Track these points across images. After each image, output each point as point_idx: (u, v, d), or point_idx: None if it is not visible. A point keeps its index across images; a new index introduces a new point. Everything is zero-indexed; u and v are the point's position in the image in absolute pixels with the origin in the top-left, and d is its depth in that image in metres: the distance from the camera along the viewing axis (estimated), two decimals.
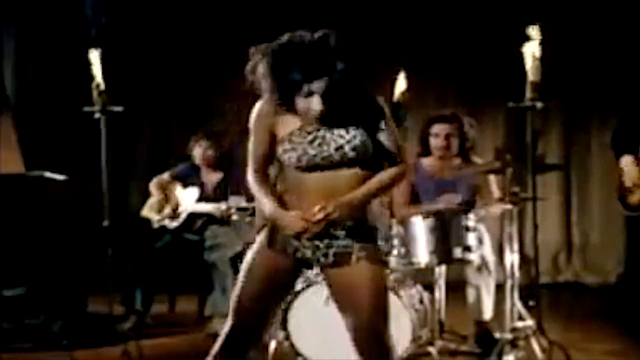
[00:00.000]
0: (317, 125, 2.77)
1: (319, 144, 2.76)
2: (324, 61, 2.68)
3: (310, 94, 2.70)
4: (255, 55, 2.77)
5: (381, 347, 2.80)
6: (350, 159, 2.77)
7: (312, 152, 2.76)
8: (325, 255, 2.80)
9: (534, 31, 3.95)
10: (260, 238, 2.87)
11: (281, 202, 2.82)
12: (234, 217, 5.16)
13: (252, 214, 5.04)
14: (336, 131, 2.77)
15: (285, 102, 2.75)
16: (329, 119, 2.76)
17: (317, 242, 2.80)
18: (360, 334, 2.80)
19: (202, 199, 5.37)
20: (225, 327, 2.89)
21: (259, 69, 2.75)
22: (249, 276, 2.85)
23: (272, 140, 2.83)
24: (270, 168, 2.92)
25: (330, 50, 2.69)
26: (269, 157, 2.86)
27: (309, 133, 2.77)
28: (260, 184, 2.86)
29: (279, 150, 2.80)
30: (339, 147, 2.76)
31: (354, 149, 2.76)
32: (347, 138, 2.76)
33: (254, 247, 2.87)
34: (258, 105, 2.86)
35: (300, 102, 2.73)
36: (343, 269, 2.79)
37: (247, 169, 2.89)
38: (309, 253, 2.82)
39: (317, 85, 2.68)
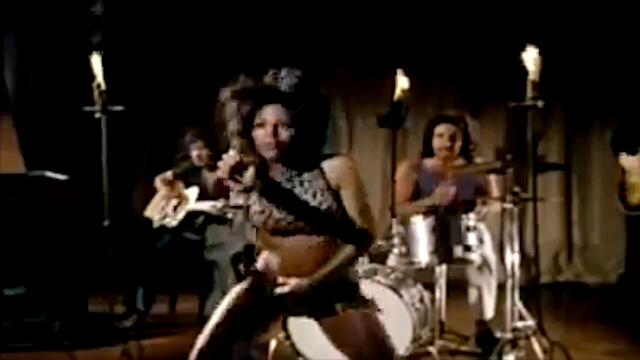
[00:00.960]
0: (285, 181, 2.74)
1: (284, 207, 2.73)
2: (281, 93, 2.67)
3: (262, 123, 2.67)
4: (225, 98, 2.74)
5: None
6: (315, 226, 2.74)
7: (277, 216, 2.73)
8: (309, 312, 2.82)
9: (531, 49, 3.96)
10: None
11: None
12: (229, 215, 5.15)
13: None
14: (304, 195, 2.73)
15: (251, 147, 2.71)
16: (288, 163, 2.73)
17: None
18: None
19: (203, 198, 5.37)
20: (196, 346, 2.84)
21: (226, 110, 2.72)
22: (228, 311, 2.82)
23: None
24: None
25: (284, 84, 2.68)
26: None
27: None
28: None
29: (250, 210, 2.77)
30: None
31: (319, 216, 2.73)
32: (313, 204, 2.72)
33: (239, 288, 2.86)
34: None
35: (256, 134, 2.69)
36: (332, 318, 2.78)
37: None
38: (291, 309, 2.85)
39: (270, 111, 2.66)
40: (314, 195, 2.73)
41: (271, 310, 2.86)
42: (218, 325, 2.80)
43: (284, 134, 2.68)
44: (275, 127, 2.67)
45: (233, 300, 2.85)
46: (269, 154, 2.71)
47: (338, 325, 2.78)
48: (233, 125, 2.71)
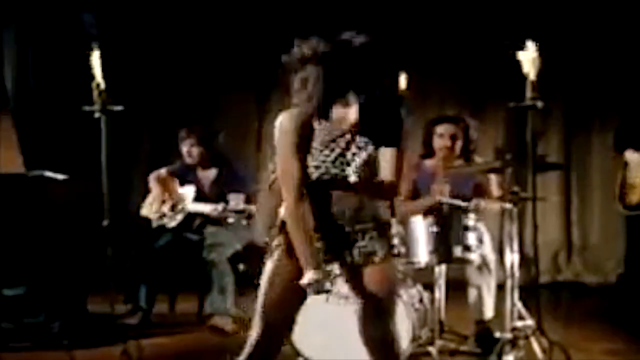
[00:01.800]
0: (340, 137, 2.82)
1: (341, 163, 2.82)
2: (372, 73, 2.76)
3: (348, 104, 2.78)
4: (306, 52, 2.76)
5: (386, 332, 2.92)
6: (366, 179, 2.85)
7: (333, 171, 2.82)
8: (350, 259, 2.89)
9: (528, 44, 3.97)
10: (278, 248, 2.89)
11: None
12: (230, 220, 5.15)
13: (249, 217, 5.02)
14: (361, 154, 2.84)
15: (321, 111, 2.78)
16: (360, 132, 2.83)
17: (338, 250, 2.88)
18: (368, 320, 2.90)
19: (199, 197, 5.37)
20: (252, 336, 2.91)
21: (308, 71, 2.75)
22: (271, 285, 2.89)
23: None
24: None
25: (380, 62, 2.76)
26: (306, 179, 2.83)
27: (332, 150, 2.83)
28: (303, 219, 2.80)
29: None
30: (357, 168, 2.84)
31: (369, 170, 2.84)
32: (364, 158, 2.83)
33: (274, 256, 2.90)
34: (293, 119, 2.78)
35: (338, 111, 2.79)
36: (365, 268, 2.89)
37: (286, 196, 2.80)
38: (329, 260, 2.90)
39: (359, 97, 2.76)
40: (366, 149, 2.85)
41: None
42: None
43: (366, 115, 2.80)
44: (361, 109, 2.79)
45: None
46: (344, 129, 2.82)
47: (365, 271, 2.89)
48: (314, 98, 2.75)
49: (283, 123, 2.79)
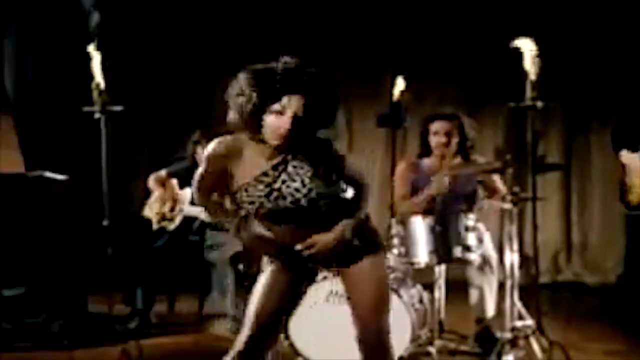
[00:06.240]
0: (272, 170, 2.79)
1: (276, 198, 2.79)
2: (302, 81, 2.69)
3: (282, 111, 2.69)
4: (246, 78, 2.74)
5: (380, 338, 2.90)
6: (307, 211, 2.80)
7: (268, 205, 2.79)
8: (331, 261, 2.91)
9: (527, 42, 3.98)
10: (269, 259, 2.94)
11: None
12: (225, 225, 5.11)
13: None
14: (292, 184, 2.77)
15: (253, 126, 2.73)
16: (290, 150, 2.77)
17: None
18: (363, 326, 2.89)
19: None
20: (241, 337, 2.92)
21: (236, 86, 2.73)
22: (267, 293, 2.92)
23: (223, 175, 2.85)
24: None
25: (308, 74, 2.71)
26: (214, 187, 2.92)
27: (267, 186, 2.79)
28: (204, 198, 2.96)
29: (238, 197, 2.83)
30: (295, 201, 2.78)
31: (310, 201, 2.79)
32: (303, 192, 2.77)
33: (271, 265, 2.94)
34: (217, 142, 2.88)
35: (270, 119, 2.71)
36: (350, 268, 2.89)
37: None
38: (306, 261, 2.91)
39: (292, 101, 2.68)
40: (303, 183, 2.78)
41: (302, 279, 2.98)
42: (262, 312, 2.92)
43: (298, 124, 2.71)
44: (294, 118, 2.70)
45: (269, 283, 2.93)
46: (276, 142, 2.74)
47: (354, 271, 2.89)
48: (246, 104, 2.70)
49: (213, 144, 2.87)
